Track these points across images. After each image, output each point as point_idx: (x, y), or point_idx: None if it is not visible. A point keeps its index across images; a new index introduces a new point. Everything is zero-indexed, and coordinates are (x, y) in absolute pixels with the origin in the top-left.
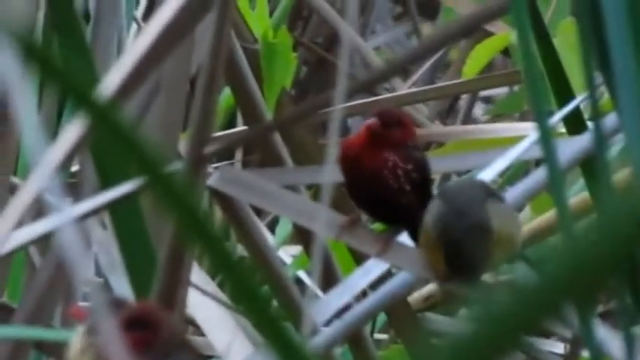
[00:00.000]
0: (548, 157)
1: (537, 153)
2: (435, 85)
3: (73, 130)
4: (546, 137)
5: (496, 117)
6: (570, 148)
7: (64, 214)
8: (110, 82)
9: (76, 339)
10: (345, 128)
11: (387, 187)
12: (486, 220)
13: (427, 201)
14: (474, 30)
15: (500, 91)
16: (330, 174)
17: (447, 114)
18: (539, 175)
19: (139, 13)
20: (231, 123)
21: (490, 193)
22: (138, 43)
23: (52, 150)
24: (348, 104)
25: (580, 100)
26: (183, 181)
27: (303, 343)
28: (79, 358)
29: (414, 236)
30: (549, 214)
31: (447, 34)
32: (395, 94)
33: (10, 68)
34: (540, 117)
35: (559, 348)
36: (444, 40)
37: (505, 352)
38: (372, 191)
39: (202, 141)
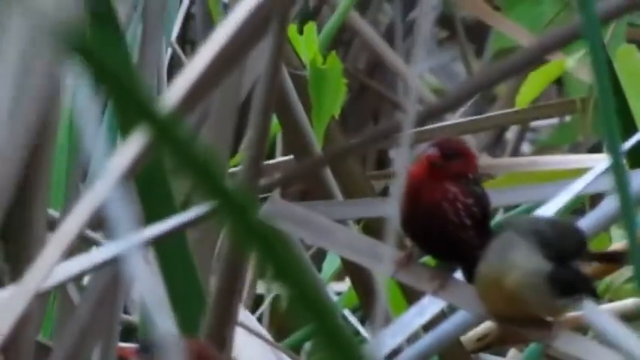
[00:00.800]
0: (620, 188)
1: (600, 186)
2: (487, 115)
3: (131, 147)
4: (619, 169)
5: (542, 149)
6: (636, 181)
7: (110, 248)
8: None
9: None
10: (388, 160)
11: (446, 221)
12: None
13: (486, 237)
14: (540, 60)
15: (544, 123)
16: (394, 207)
17: (494, 146)
18: (603, 208)
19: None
20: (270, 151)
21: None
22: (191, 67)
23: (111, 165)
24: (397, 133)
25: None
26: (250, 207)
27: None
28: None
29: (469, 273)
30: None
31: (515, 63)
32: (445, 123)
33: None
34: (614, 148)
35: None
36: (511, 70)
37: None
38: (430, 225)
39: (257, 171)
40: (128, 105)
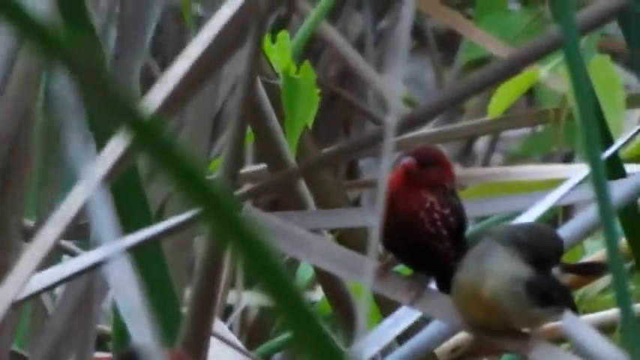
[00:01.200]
0: (601, 198)
1: (576, 197)
2: (459, 125)
3: (110, 154)
4: (600, 179)
5: (513, 160)
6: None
7: (86, 257)
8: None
9: None
10: (358, 170)
11: (422, 231)
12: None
13: (462, 248)
14: (516, 72)
15: (514, 134)
16: (375, 217)
17: (464, 157)
18: (579, 220)
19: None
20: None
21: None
22: (167, 77)
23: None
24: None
25: (621, 143)
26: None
27: None
28: None
29: (445, 284)
30: (597, 255)
31: (493, 74)
32: (417, 133)
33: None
34: (595, 158)
35: None
36: (488, 81)
37: None
38: (407, 234)
39: (233, 180)
40: (109, 109)
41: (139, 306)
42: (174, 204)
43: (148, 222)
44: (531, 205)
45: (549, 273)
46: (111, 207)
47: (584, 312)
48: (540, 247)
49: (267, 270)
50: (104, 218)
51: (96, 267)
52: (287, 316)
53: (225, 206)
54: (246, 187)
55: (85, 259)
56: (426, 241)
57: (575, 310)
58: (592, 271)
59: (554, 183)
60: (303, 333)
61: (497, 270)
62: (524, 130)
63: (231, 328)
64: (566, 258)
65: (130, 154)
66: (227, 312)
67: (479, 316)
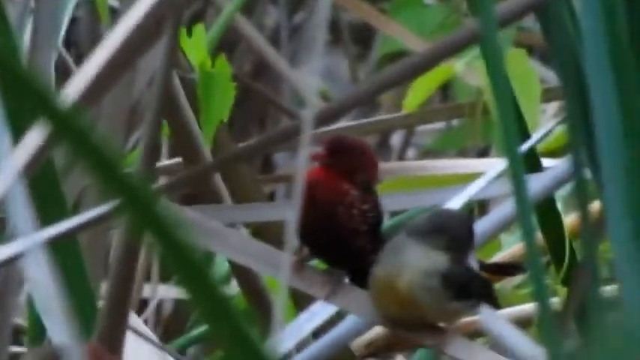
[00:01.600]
0: (518, 192)
1: (493, 191)
2: (374, 119)
3: (28, 145)
4: (518, 173)
5: (427, 154)
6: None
7: (2, 250)
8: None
9: None
10: (273, 164)
11: (341, 226)
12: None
13: (379, 243)
14: (433, 66)
15: (429, 128)
16: (292, 211)
17: (379, 151)
18: (495, 214)
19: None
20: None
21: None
22: (84, 70)
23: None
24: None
25: (538, 137)
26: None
27: None
28: None
29: (362, 278)
30: (505, 254)
31: (409, 68)
32: (331, 127)
33: None
34: (512, 151)
35: None
36: (404, 75)
37: None
38: (325, 227)
39: (150, 174)
40: (25, 98)
41: (55, 300)
42: (90, 197)
43: (64, 215)
44: (447, 200)
45: (465, 261)
46: (28, 200)
47: (499, 307)
48: (453, 230)
49: (184, 263)
50: (21, 211)
51: (12, 260)
52: (204, 309)
53: (143, 198)
54: (162, 180)
55: (1, 252)
56: (343, 236)
57: (496, 302)
58: (506, 271)
59: (470, 177)
60: (220, 326)
61: (412, 264)
62: (440, 125)
63: (146, 322)
64: (482, 252)
65: (48, 145)
66: (142, 306)
67: (395, 310)
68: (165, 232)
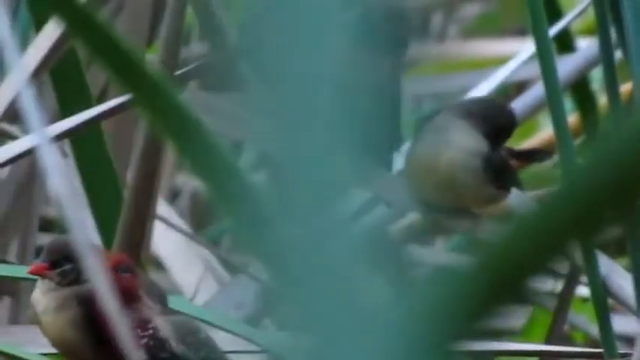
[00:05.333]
0: (547, 75)
1: (527, 73)
2: None
3: (45, 39)
4: (546, 56)
5: (468, 34)
6: (563, 67)
7: (25, 141)
8: None
9: (41, 296)
10: None
11: None
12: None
13: None
14: None
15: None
16: None
17: (421, 33)
18: (529, 95)
19: None
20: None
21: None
22: None
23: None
24: None
25: (571, 17)
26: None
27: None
28: (50, 314)
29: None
30: (544, 134)
31: None
32: None
33: None
34: (540, 35)
35: (547, 284)
36: None
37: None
38: None
39: (173, 60)
40: None
41: (78, 190)
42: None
43: (88, 105)
44: (483, 82)
45: (500, 150)
46: (49, 92)
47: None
48: (496, 120)
49: (203, 153)
50: (32, 104)
51: (26, 154)
52: (223, 202)
53: (160, 90)
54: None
55: (25, 142)
56: None
57: (522, 190)
58: (535, 157)
59: (506, 59)
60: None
61: (457, 141)
62: (480, 6)
63: (180, 212)
64: (520, 133)
65: (64, 40)
66: (175, 196)
67: (431, 191)
68: (181, 126)
